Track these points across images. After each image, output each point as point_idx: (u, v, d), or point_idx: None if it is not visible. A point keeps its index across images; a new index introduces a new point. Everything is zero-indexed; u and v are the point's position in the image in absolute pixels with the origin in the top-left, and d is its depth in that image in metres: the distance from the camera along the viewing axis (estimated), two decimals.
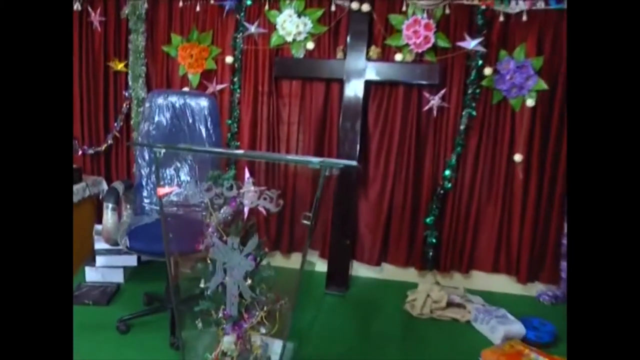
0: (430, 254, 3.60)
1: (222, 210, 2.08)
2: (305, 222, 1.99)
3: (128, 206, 3.05)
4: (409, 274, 3.76)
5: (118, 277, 3.43)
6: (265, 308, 2.20)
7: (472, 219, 3.59)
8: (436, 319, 3.26)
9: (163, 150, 2.05)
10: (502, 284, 3.67)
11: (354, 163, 1.88)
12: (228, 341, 2.23)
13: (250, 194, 2.02)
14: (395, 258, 3.72)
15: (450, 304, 3.35)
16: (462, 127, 3.45)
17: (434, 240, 3.58)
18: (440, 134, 3.54)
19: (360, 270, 3.81)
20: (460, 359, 2.84)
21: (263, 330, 2.22)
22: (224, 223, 2.10)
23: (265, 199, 1.96)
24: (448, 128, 3.51)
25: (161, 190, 2.21)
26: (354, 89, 3.45)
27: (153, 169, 3.07)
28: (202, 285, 2.18)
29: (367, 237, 3.70)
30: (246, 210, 2.07)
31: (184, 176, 3.09)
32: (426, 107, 3.49)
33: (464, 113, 3.44)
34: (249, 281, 2.11)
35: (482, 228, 3.62)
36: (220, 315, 2.20)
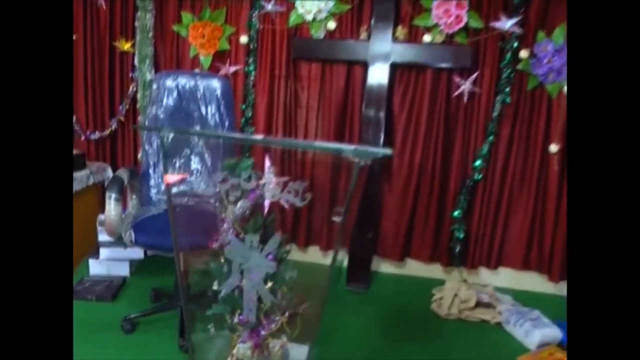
0: (457, 249, 3.31)
1: (238, 204, 1.79)
2: (336, 218, 1.71)
3: (134, 196, 2.77)
4: (433, 270, 3.47)
5: (124, 270, 3.16)
6: (286, 313, 1.93)
7: (502, 213, 3.29)
8: (464, 320, 2.98)
9: (171, 135, 1.76)
10: (533, 282, 3.38)
11: (388, 151, 1.58)
12: (244, 347, 1.96)
13: (271, 186, 1.73)
14: (419, 253, 3.43)
15: (478, 304, 3.06)
16: (494, 114, 3.14)
17: (461, 235, 3.29)
18: (471, 121, 3.23)
19: (381, 265, 3.52)
20: None
21: (284, 338, 1.95)
22: (240, 218, 1.81)
23: (289, 192, 1.67)
24: (479, 115, 3.20)
25: (169, 178, 1.93)
26: (379, 73, 3.14)
27: (161, 155, 2.78)
28: (215, 287, 1.90)
29: (390, 230, 3.40)
30: (267, 204, 1.79)
31: (194, 165, 2.80)
32: (456, 93, 3.18)
33: (497, 99, 3.13)
34: (269, 284, 1.83)
35: (512, 222, 3.32)
36: (236, 320, 1.93)
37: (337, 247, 1.70)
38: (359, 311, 2.98)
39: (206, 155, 2.73)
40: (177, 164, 2.76)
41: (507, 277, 3.41)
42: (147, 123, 2.84)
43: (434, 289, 3.25)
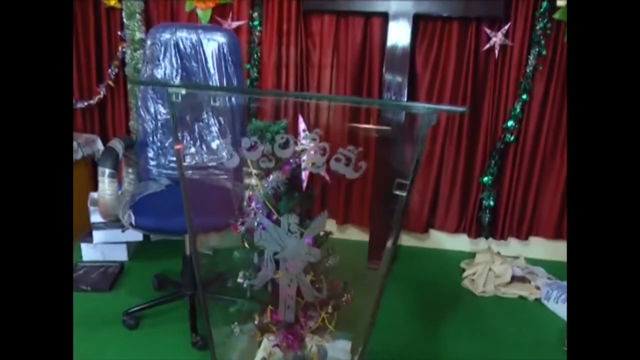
0: (487, 219, 2.94)
1: (270, 177, 1.38)
2: (398, 192, 1.31)
3: (130, 170, 2.33)
4: (459, 243, 3.10)
5: (121, 254, 2.73)
6: (329, 309, 1.53)
7: (535, 178, 2.91)
8: (501, 296, 2.62)
9: (183, 91, 1.32)
10: (564, 252, 3.02)
11: (464, 109, 1.17)
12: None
13: (312, 153, 1.31)
14: (444, 224, 3.06)
15: (513, 278, 2.71)
16: (528, 70, 2.74)
17: (491, 203, 2.91)
18: (502, 78, 2.81)
19: (403, 238, 3.14)
20: (544, 347, 2.21)
21: (326, 338, 1.57)
22: (273, 195, 1.40)
23: (338, 159, 1.25)
24: (511, 71, 2.78)
25: (179, 144, 1.51)
26: (400, 25, 2.68)
27: (159, 124, 2.34)
28: (240, 279, 1.50)
29: (412, 200, 3.01)
30: (305, 176, 1.38)
31: (199, 133, 2.36)
32: (486, 46, 2.76)
33: (531, 52, 2.72)
34: (311, 275, 1.43)
35: (545, 188, 2.95)
36: (266, 320, 1.54)
37: (399, 225, 1.29)
38: (386, 292, 2.59)
39: (214, 120, 2.29)
40: (179, 132, 2.32)
41: (538, 247, 3.05)
42: (141, 87, 2.38)
43: (462, 263, 2.89)
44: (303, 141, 1.34)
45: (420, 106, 1.21)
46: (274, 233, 1.36)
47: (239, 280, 1.50)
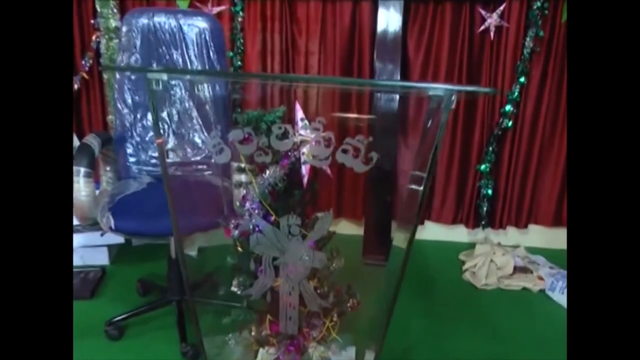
0: (485, 208, 2.79)
1: (267, 173, 1.20)
2: (413, 187, 1.14)
3: (108, 168, 2.13)
4: (456, 233, 2.96)
5: (102, 258, 2.53)
6: (334, 317, 1.37)
7: (533, 164, 2.77)
8: (504, 289, 2.48)
9: (164, 77, 1.13)
10: (564, 239, 2.89)
11: (492, 90, 1.00)
12: None
13: (313, 144, 1.14)
14: (440, 215, 2.91)
15: (515, 269, 2.57)
16: (526, 52, 2.58)
17: (489, 192, 2.77)
18: (498, 61, 2.65)
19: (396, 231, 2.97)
20: (551, 341, 2.07)
21: (332, 349, 1.40)
22: (270, 193, 1.22)
23: (345, 151, 1.08)
24: (507, 53, 2.63)
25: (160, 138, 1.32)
26: (390, 9, 2.51)
27: (138, 117, 2.14)
28: (234, 288, 1.32)
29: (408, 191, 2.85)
30: (305, 170, 1.20)
31: (181, 127, 2.16)
32: (481, 28, 2.60)
33: (528, 34, 2.57)
34: (314, 281, 1.26)
35: (544, 174, 2.81)
36: (265, 332, 1.36)
37: (415, 223, 1.13)
38: (383, 289, 2.44)
39: (197, 112, 2.10)
40: (159, 124, 2.13)
41: (537, 235, 2.92)
42: (117, 77, 2.17)
43: (461, 255, 2.75)
44: (302, 131, 1.17)
45: (440, 87, 1.04)
46: (273, 236, 1.18)
47: (233, 289, 1.32)
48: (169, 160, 2.10)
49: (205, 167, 2.14)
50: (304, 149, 1.17)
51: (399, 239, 1.47)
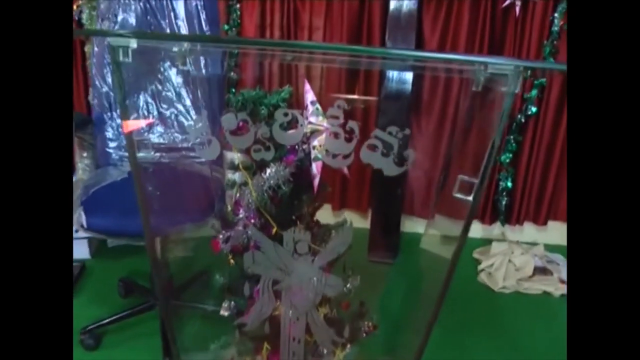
0: (504, 202, 2.51)
1: (267, 173, 0.91)
2: (461, 195, 0.87)
3: (84, 154, 1.83)
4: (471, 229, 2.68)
5: (82, 251, 2.24)
6: (347, 347, 1.09)
7: (556, 155, 2.49)
8: (523, 292, 2.22)
9: (133, 44, 0.84)
10: None
11: (562, 66, 0.70)
12: None
13: (330, 137, 0.86)
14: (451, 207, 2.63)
15: (534, 270, 2.31)
16: (554, 30, 2.29)
17: (509, 184, 2.49)
18: (523, 39, 2.35)
19: (405, 224, 2.70)
20: None
21: None
22: (271, 198, 0.93)
23: (372, 147, 0.80)
24: (533, 31, 2.33)
25: (130, 124, 1.03)
26: None
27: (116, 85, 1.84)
28: (224, 312, 1.05)
29: (419, 182, 2.57)
30: (316, 169, 0.92)
31: (168, 105, 1.87)
32: (506, 3, 2.29)
33: (558, 9, 2.27)
34: (325, 309, 0.99)
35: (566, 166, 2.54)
36: None
37: (463, 237, 0.85)
38: (391, 291, 2.17)
39: (186, 91, 1.80)
40: (142, 107, 1.83)
41: (556, 232, 2.65)
42: (95, 50, 1.86)
43: (475, 253, 2.48)
44: (312, 118, 0.88)
45: (506, 62, 0.75)
46: (273, 254, 0.90)
47: (223, 313, 1.04)
48: (155, 142, 1.81)
49: (195, 154, 1.85)
50: (315, 141, 0.89)
51: (430, 242, 1.22)
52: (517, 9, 2.28)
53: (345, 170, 0.92)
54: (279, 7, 2.38)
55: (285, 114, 0.81)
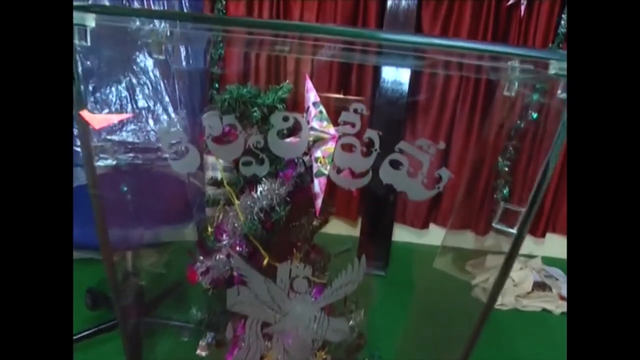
0: (500, 211, 2.36)
1: (259, 191, 0.72)
2: (502, 227, 0.70)
3: None
4: (463, 239, 2.53)
5: None
6: None
7: (556, 164, 2.34)
8: (521, 310, 2.07)
9: (91, 23, 0.65)
10: None
11: None
12: None
13: (341, 150, 0.67)
14: (447, 218, 2.47)
15: (533, 286, 2.17)
16: (560, 31, 2.14)
17: (506, 192, 2.34)
18: (527, 40, 2.20)
19: (397, 233, 2.52)
20: None
21: None
22: (263, 222, 0.75)
23: (394, 164, 0.62)
24: (538, 32, 2.18)
25: (94, 119, 0.84)
26: None
27: (90, 87, 1.64)
28: (201, 352, 0.86)
29: None
30: (320, 187, 0.74)
31: (145, 99, 1.66)
32: (510, 2, 2.14)
33: (565, 9, 2.12)
34: (323, 353, 0.81)
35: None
36: None
37: (501, 279, 0.67)
38: (381, 306, 2.00)
39: (162, 84, 1.60)
40: (116, 99, 1.62)
41: (553, 245, 2.51)
42: None
43: (467, 265, 2.32)
44: (315, 124, 0.70)
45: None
46: (264, 292, 0.72)
47: (200, 352, 0.86)
48: (114, 140, 1.61)
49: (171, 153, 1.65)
50: (318, 152, 0.71)
51: (444, 262, 1.05)
52: (522, 8, 2.13)
53: (354, 190, 0.74)
54: (267, 4, 2.19)
55: (285, 119, 0.62)
